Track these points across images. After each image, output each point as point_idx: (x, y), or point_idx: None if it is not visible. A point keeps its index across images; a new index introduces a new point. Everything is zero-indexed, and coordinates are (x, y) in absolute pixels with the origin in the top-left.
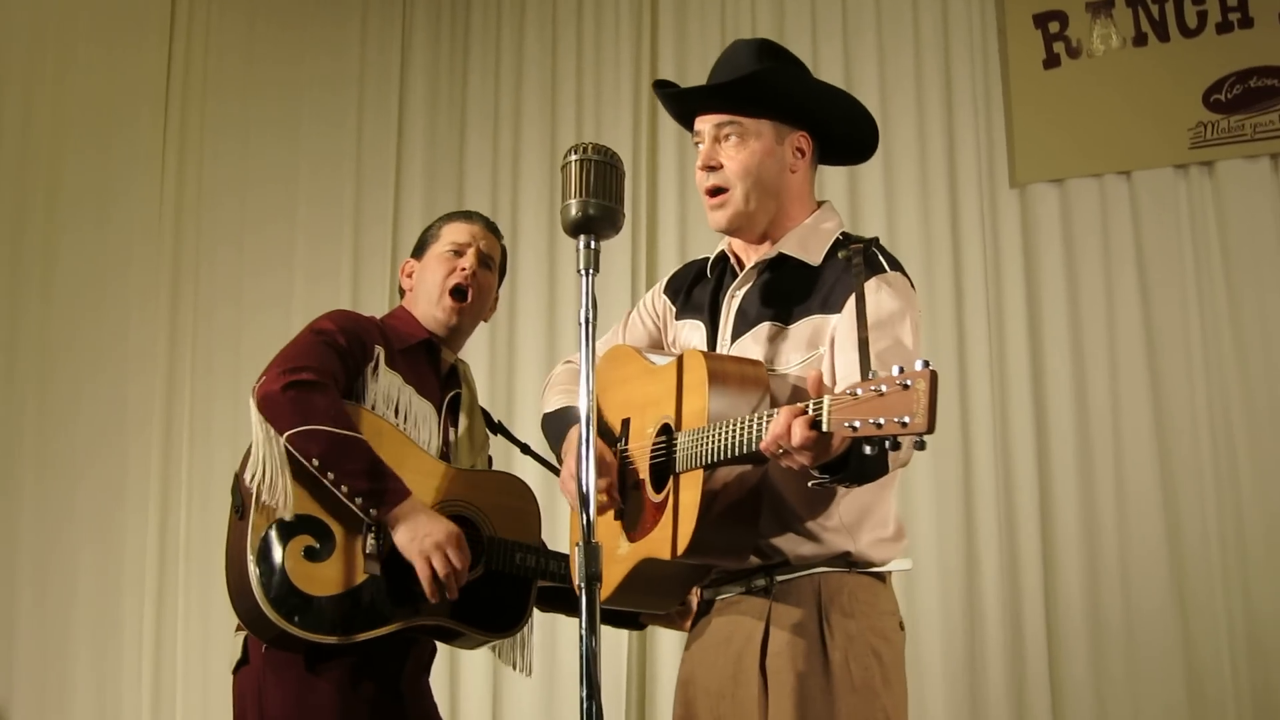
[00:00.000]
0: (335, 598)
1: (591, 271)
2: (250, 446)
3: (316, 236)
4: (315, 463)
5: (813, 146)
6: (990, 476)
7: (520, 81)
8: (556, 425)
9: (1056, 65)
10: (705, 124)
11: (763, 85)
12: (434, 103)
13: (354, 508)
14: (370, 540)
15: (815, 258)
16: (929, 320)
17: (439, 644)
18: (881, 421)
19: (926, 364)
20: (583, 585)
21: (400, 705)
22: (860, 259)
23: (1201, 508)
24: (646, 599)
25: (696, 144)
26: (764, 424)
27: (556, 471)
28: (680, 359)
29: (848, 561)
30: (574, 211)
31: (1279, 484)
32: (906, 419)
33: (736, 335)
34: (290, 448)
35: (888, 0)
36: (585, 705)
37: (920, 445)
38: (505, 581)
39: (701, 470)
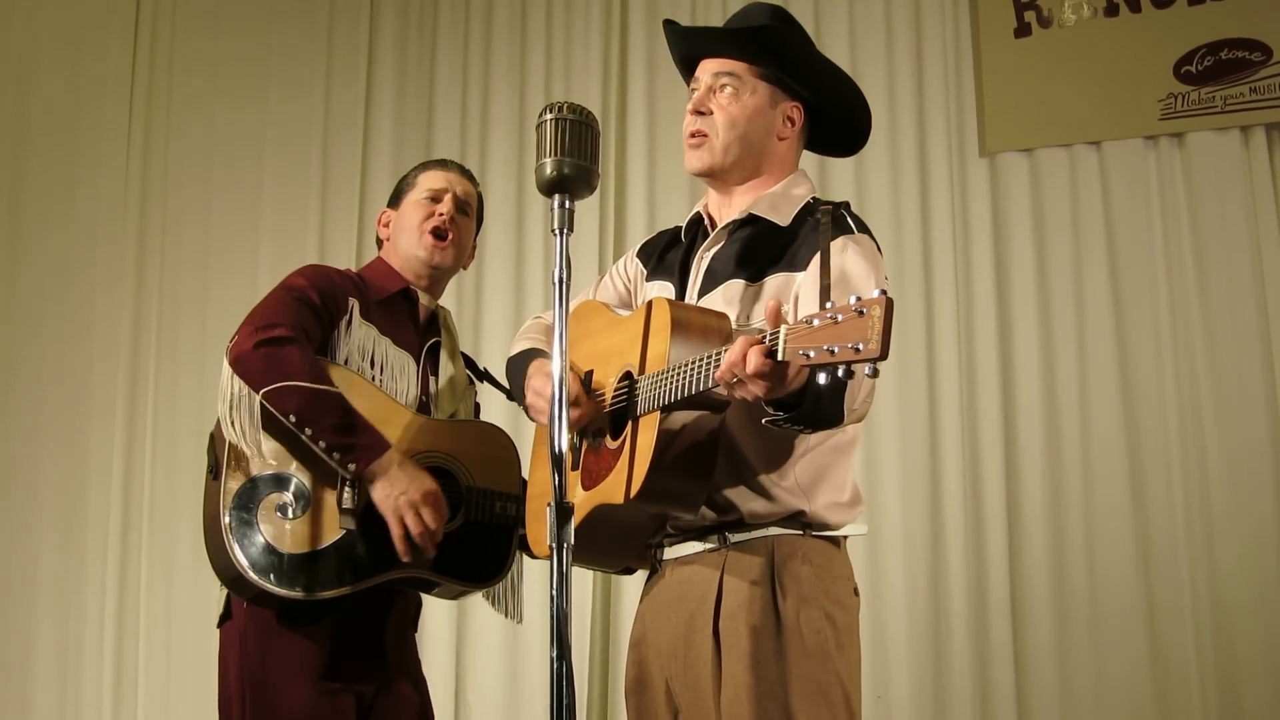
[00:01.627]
0: (312, 554)
1: (565, 231)
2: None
3: (283, 202)
4: (292, 419)
5: (803, 120)
6: (956, 445)
7: (489, 46)
8: (520, 365)
9: (1028, 35)
10: (704, 71)
11: (770, 43)
12: (402, 67)
13: (331, 463)
14: (346, 495)
15: (784, 218)
16: (897, 289)
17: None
18: (835, 348)
19: (883, 292)
20: (553, 547)
21: (383, 659)
22: (828, 219)
23: (1167, 477)
24: (597, 550)
25: (692, 90)
26: (709, 364)
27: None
28: (647, 306)
29: (802, 523)
30: (549, 170)
31: (1244, 455)
32: (860, 345)
33: (704, 292)
34: (266, 404)
35: None
36: (555, 665)
37: (873, 373)
38: (486, 531)
39: (657, 413)
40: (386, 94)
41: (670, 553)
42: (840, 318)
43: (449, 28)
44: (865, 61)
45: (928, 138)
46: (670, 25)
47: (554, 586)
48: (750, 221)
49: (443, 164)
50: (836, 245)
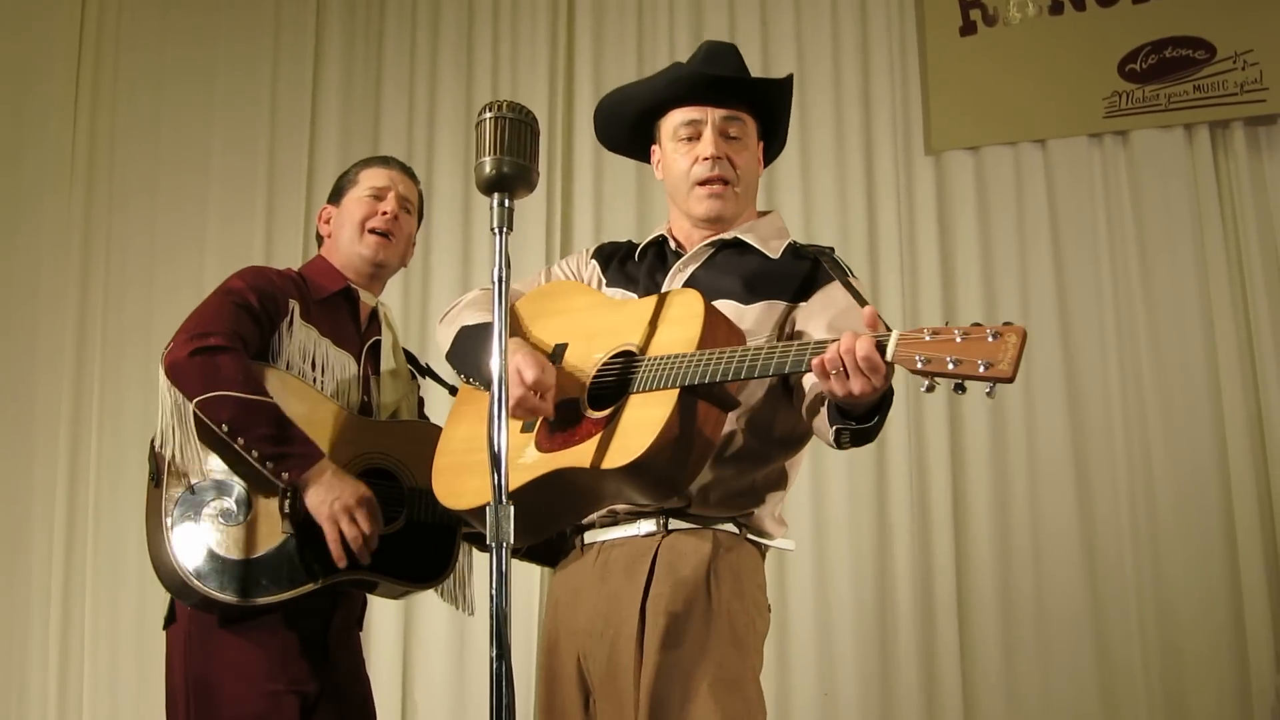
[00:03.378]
0: (254, 560)
1: (505, 230)
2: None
3: (230, 180)
4: (224, 428)
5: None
6: (902, 444)
7: (436, 38)
8: (480, 335)
9: (973, 33)
10: (709, 113)
11: (776, 93)
12: (350, 57)
13: (265, 472)
14: (286, 501)
15: (774, 251)
16: None
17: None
18: (958, 360)
19: (1015, 325)
20: (493, 545)
21: (327, 659)
22: (829, 262)
23: (1112, 474)
24: (523, 519)
25: (687, 135)
26: (807, 349)
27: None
28: (667, 294)
29: (745, 524)
30: (488, 169)
31: (1189, 451)
32: (989, 363)
33: None
34: (200, 414)
35: None
36: (495, 665)
37: (990, 392)
38: (429, 531)
39: (677, 391)
40: (333, 84)
41: (597, 535)
42: (965, 335)
43: (396, 18)
44: (811, 60)
45: (874, 136)
46: (702, 67)
47: (493, 586)
48: (735, 245)
49: (384, 161)
50: (838, 285)
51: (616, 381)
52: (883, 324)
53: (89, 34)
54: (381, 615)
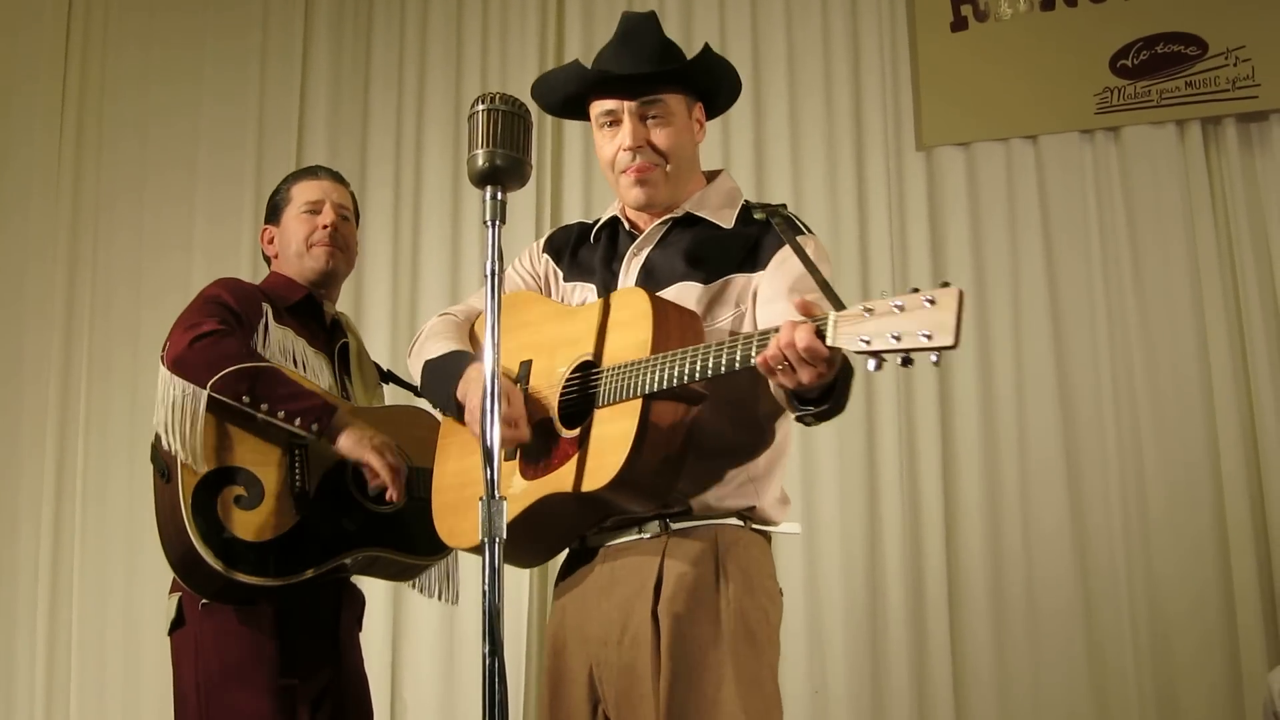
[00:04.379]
0: (276, 540)
1: (498, 223)
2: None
3: (218, 179)
4: (246, 399)
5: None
6: (893, 440)
7: (425, 30)
8: (445, 368)
9: (964, 28)
10: (622, 103)
11: (695, 68)
12: (338, 52)
13: (294, 429)
14: (297, 480)
15: (726, 220)
16: (834, 282)
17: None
18: (900, 334)
19: (952, 284)
20: (485, 540)
21: (335, 654)
22: (781, 220)
23: (1104, 470)
24: (534, 542)
25: (608, 122)
26: (752, 343)
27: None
28: (610, 296)
29: (749, 517)
30: (480, 162)
31: (1181, 449)
32: (931, 332)
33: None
34: (218, 395)
35: None
36: (487, 661)
37: (936, 361)
38: (429, 507)
39: (639, 400)
40: (322, 79)
41: (601, 540)
42: (904, 305)
43: (384, 9)
44: (802, 55)
45: (864, 132)
46: (594, 71)
47: (485, 582)
48: (688, 221)
49: (313, 173)
50: (800, 241)
51: (582, 396)
52: (819, 306)
53: (76, 33)
54: (371, 612)
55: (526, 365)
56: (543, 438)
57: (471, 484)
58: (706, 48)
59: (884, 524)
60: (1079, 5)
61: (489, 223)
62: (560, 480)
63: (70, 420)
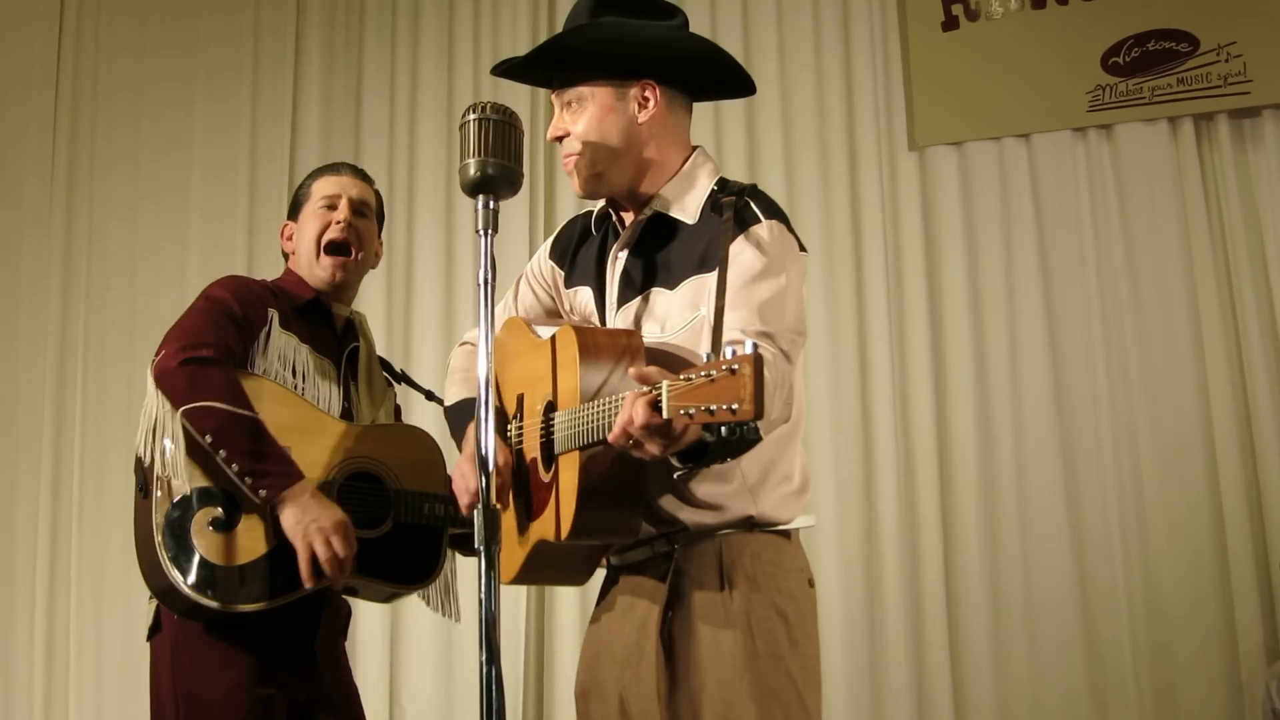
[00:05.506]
0: (246, 566)
1: (490, 232)
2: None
3: (211, 207)
4: (208, 439)
5: (662, 92)
6: (890, 437)
7: (417, 39)
8: (456, 419)
9: (955, 28)
10: (553, 96)
11: (573, 47)
12: (330, 62)
13: (243, 487)
14: (270, 509)
15: (691, 214)
16: (829, 283)
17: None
18: (714, 408)
19: (755, 346)
20: (481, 549)
21: (314, 669)
22: (730, 214)
23: (1099, 465)
24: (554, 574)
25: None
26: (615, 412)
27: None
28: (554, 334)
29: (750, 523)
30: (472, 171)
31: (1177, 446)
32: (734, 405)
33: (622, 301)
34: (185, 422)
35: None
36: (485, 670)
37: (752, 432)
38: (416, 533)
39: (577, 452)
40: (314, 90)
41: (622, 559)
42: (714, 374)
43: (376, 18)
44: (793, 56)
45: (857, 132)
46: (497, 69)
47: (482, 590)
48: (656, 220)
49: (334, 169)
50: (735, 247)
51: (550, 440)
52: (654, 373)
53: (68, 33)
54: (368, 620)
55: (520, 400)
56: (536, 478)
57: (505, 516)
58: (563, 35)
59: (881, 523)
60: (1070, 3)
61: (481, 232)
62: (545, 526)
63: (65, 443)
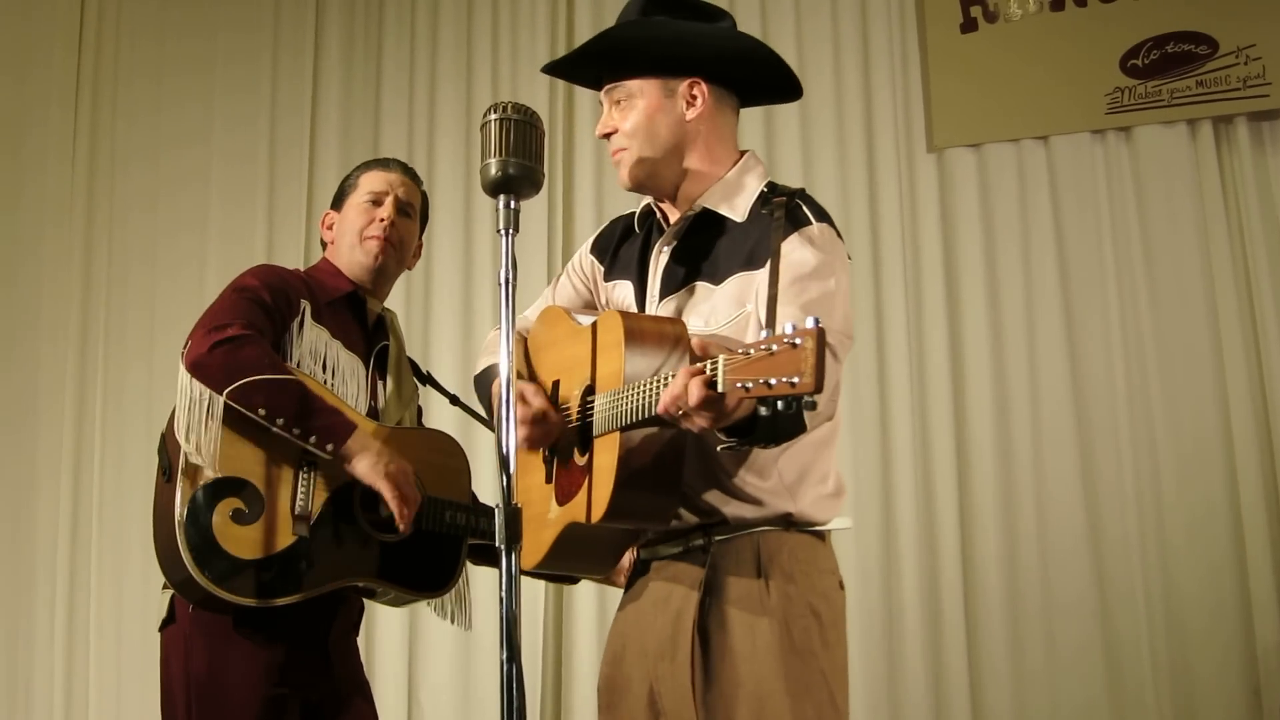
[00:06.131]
0: (264, 560)
1: (511, 231)
2: (175, 409)
3: (231, 197)
4: (261, 412)
5: (711, 91)
6: (908, 440)
7: (435, 35)
8: (485, 383)
9: (974, 30)
10: (602, 93)
11: (623, 44)
12: (349, 59)
13: (309, 447)
14: (299, 501)
15: (740, 213)
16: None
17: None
18: (772, 381)
19: (817, 321)
20: (502, 548)
21: (327, 664)
22: (782, 213)
23: (1119, 472)
24: (579, 563)
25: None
26: (664, 386)
27: (485, 423)
28: (597, 319)
29: (788, 521)
30: (494, 171)
31: (1196, 450)
32: (795, 379)
33: (665, 294)
34: (234, 404)
35: None
36: (505, 668)
37: (810, 405)
38: (436, 540)
39: (618, 433)
40: (333, 87)
41: (653, 553)
42: (775, 349)
43: (395, 17)
44: (812, 57)
45: (875, 134)
46: (546, 70)
47: (503, 589)
48: (704, 216)
49: (384, 164)
50: (790, 244)
51: (588, 423)
52: (713, 345)
53: (87, 60)
54: (386, 618)
55: (556, 386)
56: (568, 462)
57: (528, 504)
58: (619, 27)
59: (899, 525)
60: (1089, 5)
61: (502, 231)
62: (577, 509)
63: (86, 433)
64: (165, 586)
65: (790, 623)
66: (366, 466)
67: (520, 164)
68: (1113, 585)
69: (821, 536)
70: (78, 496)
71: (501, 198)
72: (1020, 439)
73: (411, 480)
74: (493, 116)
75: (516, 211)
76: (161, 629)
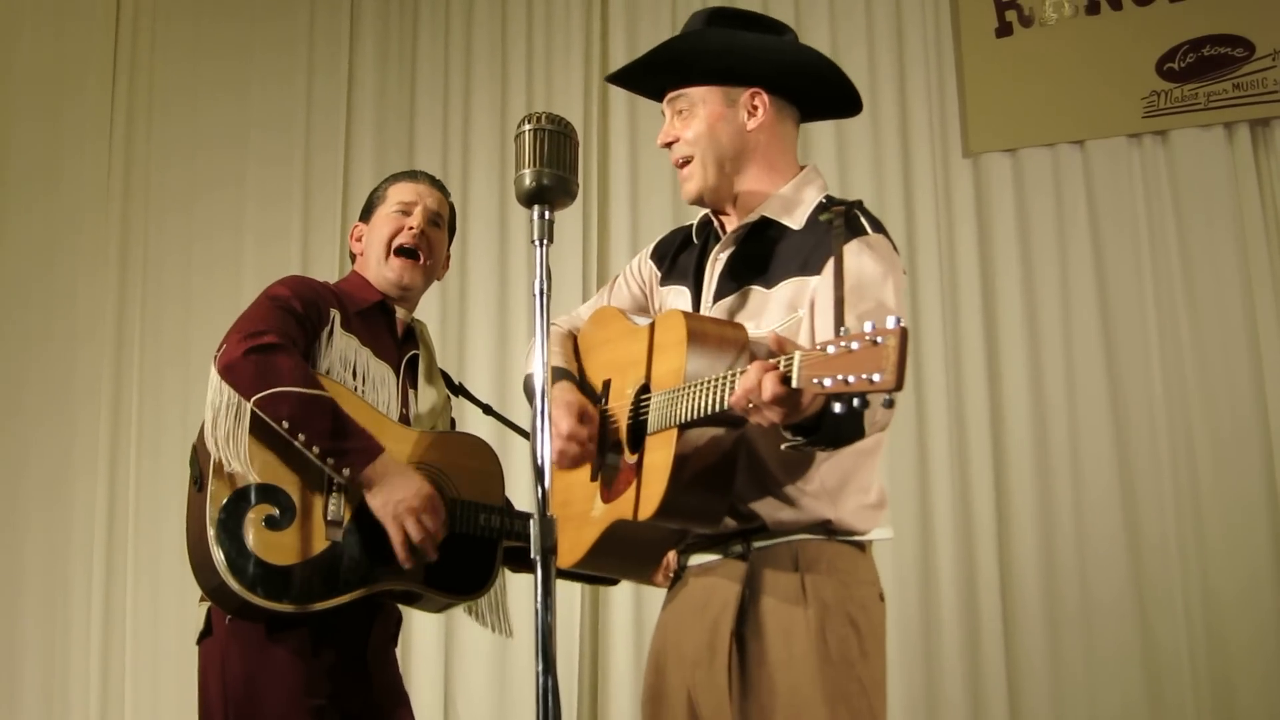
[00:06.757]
0: (298, 566)
1: (545, 242)
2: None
3: (266, 199)
4: (285, 424)
5: (772, 101)
6: (944, 449)
7: (470, 45)
8: (531, 388)
9: (1009, 34)
10: (664, 103)
11: (687, 54)
12: (384, 66)
13: (326, 468)
14: (331, 506)
15: (798, 221)
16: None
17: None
18: (851, 379)
19: (899, 321)
20: (538, 558)
21: (364, 675)
22: (841, 221)
23: (1158, 478)
24: (620, 563)
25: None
26: (736, 381)
27: (519, 431)
28: (657, 318)
29: (828, 529)
30: (528, 181)
31: (1235, 454)
32: (876, 376)
33: (719, 298)
34: (258, 411)
35: None
36: (541, 680)
37: (889, 404)
38: (470, 543)
39: (675, 430)
40: (368, 93)
41: (693, 559)
42: (856, 345)
43: (430, 25)
44: (846, 63)
45: (911, 138)
46: (610, 79)
47: (538, 600)
48: (762, 224)
49: (412, 176)
50: (851, 249)
51: (640, 421)
52: (791, 342)
53: (124, 47)
54: (422, 627)
55: (607, 384)
56: (616, 461)
57: (569, 503)
58: (685, 35)
59: (936, 529)
60: (1124, 9)
61: (537, 242)
62: (623, 506)
63: (122, 434)
64: (202, 599)
65: (827, 632)
66: (379, 502)
67: (555, 174)
68: (1151, 591)
69: (862, 547)
70: (113, 496)
71: (536, 208)
72: (1058, 446)
73: (428, 515)
74: (527, 127)
75: (551, 222)
76: (199, 642)
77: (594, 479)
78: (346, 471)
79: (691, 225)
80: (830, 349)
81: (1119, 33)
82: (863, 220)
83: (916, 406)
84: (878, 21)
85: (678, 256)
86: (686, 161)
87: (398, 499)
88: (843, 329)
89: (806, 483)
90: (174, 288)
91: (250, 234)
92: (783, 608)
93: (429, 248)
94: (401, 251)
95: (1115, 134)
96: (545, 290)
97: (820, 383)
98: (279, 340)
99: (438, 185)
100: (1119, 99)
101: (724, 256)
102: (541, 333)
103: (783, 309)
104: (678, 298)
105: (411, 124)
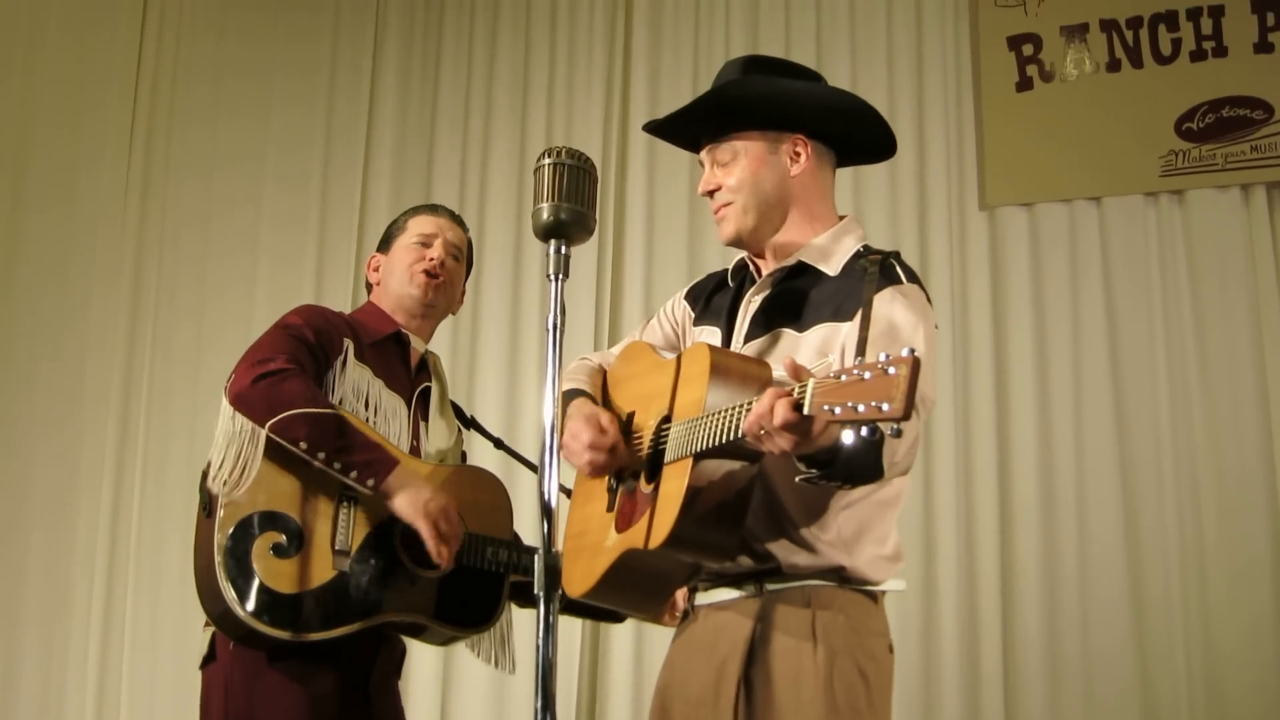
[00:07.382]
0: (305, 595)
1: (561, 277)
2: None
3: (282, 222)
4: (303, 445)
5: (813, 147)
6: (951, 501)
7: (491, 77)
8: (563, 404)
9: (1029, 88)
10: (703, 152)
11: (729, 103)
12: (405, 94)
13: (349, 482)
14: (339, 536)
15: (834, 268)
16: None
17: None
18: (861, 407)
19: (912, 351)
20: (540, 595)
21: (368, 705)
22: (875, 269)
23: (1163, 538)
24: (630, 595)
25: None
26: (749, 409)
27: (528, 465)
28: (683, 353)
29: (841, 577)
30: (545, 216)
31: (1242, 519)
32: (885, 405)
33: (750, 339)
34: (275, 437)
35: (861, 17)
36: (540, 716)
37: (895, 433)
38: (478, 577)
39: (690, 460)
40: (388, 119)
41: (705, 598)
42: (868, 375)
43: (452, 56)
44: None
45: (928, 190)
46: (647, 128)
47: (539, 635)
48: (799, 269)
49: (433, 209)
50: (884, 297)
51: (659, 451)
52: (806, 369)
53: (146, 65)
54: (420, 662)
55: (630, 417)
56: (632, 491)
57: (585, 533)
58: (726, 85)
59: (939, 585)
60: (1145, 67)
61: (552, 276)
62: (636, 535)
63: (128, 452)
64: (206, 624)
65: (836, 680)
66: (406, 503)
67: (573, 210)
68: (1153, 645)
69: (874, 597)
70: (116, 514)
71: (552, 243)
72: (1065, 501)
73: (453, 517)
74: (546, 161)
75: (567, 257)
76: (202, 667)
77: (610, 509)
78: (371, 482)
79: (727, 269)
80: (844, 377)
81: (1139, 91)
82: (898, 269)
83: (923, 458)
84: (898, 71)
85: (712, 298)
86: (722, 207)
87: (425, 498)
88: (858, 358)
89: (824, 530)
90: (186, 307)
91: (265, 256)
92: (792, 652)
93: (448, 279)
94: (426, 274)
95: (1132, 192)
96: (559, 325)
97: (831, 410)
98: (287, 366)
99: (458, 220)
100: (1137, 157)
101: (758, 299)
102: (553, 367)
103: (813, 353)
104: (709, 338)
105: (430, 153)
